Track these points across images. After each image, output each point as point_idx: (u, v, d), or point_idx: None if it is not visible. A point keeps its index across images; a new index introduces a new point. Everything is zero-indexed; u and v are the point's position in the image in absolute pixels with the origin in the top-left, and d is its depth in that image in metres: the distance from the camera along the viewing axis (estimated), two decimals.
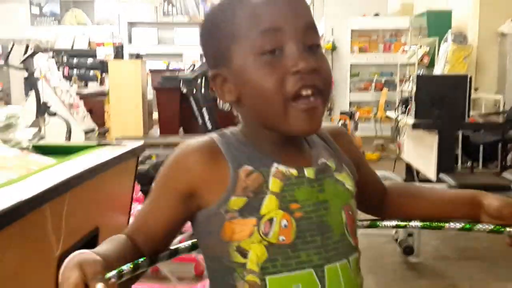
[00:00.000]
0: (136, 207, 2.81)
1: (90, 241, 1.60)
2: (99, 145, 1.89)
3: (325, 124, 0.86)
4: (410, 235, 3.16)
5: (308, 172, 0.81)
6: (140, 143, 2.00)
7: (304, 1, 0.77)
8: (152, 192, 0.83)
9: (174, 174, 0.81)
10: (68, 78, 11.75)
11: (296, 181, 0.79)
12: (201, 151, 0.80)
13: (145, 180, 3.80)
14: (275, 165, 0.79)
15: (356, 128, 6.72)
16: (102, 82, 11.34)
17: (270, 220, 0.77)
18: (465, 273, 3.09)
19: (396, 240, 3.21)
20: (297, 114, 0.75)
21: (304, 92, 0.74)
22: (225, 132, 0.84)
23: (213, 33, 0.81)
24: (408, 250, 3.07)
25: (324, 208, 0.80)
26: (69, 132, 4.99)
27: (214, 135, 0.82)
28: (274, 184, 0.78)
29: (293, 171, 0.80)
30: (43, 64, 7.13)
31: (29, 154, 1.66)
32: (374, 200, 0.96)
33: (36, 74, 5.94)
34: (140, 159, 2.13)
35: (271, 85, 0.74)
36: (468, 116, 4.27)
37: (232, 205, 0.77)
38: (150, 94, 8.73)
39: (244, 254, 0.77)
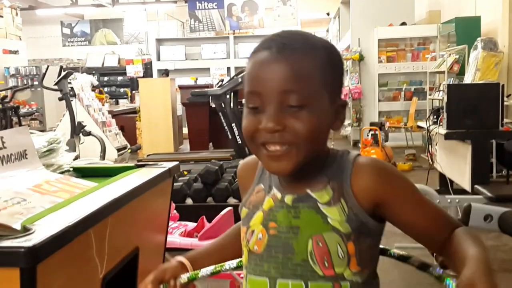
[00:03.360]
0: (172, 225, 2.85)
1: (131, 261, 1.64)
2: (137, 166, 1.94)
3: (365, 158, 0.95)
4: None
5: (287, 199, 0.93)
6: (175, 163, 2.05)
7: (285, 69, 0.86)
8: None
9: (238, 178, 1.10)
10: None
11: (279, 204, 0.93)
12: (244, 164, 1.07)
13: (179, 197, 3.87)
14: (274, 188, 0.96)
15: (386, 138, 6.66)
16: (132, 99, 11.55)
17: (253, 232, 0.94)
18: (503, 286, 3.02)
19: (433, 253, 3.16)
20: (265, 159, 0.90)
21: (269, 147, 0.88)
22: None
23: None
24: (445, 264, 3.01)
25: (293, 233, 0.90)
26: (103, 150, 5.10)
27: None
28: (267, 203, 0.95)
29: (279, 196, 0.94)
30: (82, 82, 7.31)
31: (71, 177, 1.72)
32: (429, 243, 0.96)
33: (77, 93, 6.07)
34: None
35: (248, 133, 0.90)
36: (502, 124, 4.20)
37: (242, 213, 0.99)
38: (180, 110, 8.86)
39: (242, 252, 0.98)
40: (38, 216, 1.23)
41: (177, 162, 2.05)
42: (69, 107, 5.99)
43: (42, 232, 1.11)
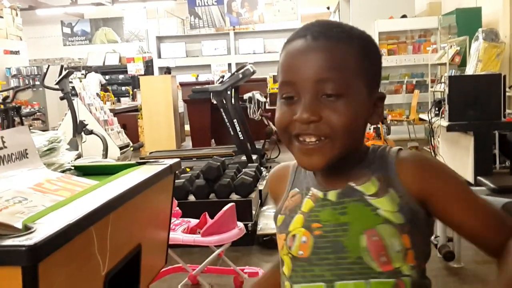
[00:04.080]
0: (174, 222, 2.86)
1: (133, 258, 1.64)
2: (138, 164, 1.94)
3: (408, 151, 0.90)
4: (450, 240, 3.11)
5: (331, 195, 0.89)
6: (176, 159, 2.04)
7: (320, 57, 0.83)
8: None
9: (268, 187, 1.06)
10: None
11: (322, 203, 0.89)
12: (274, 172, 1.04)
13: (181, 194, 3.87)
14: (313, 188, 0.92)
15: (388, 131, 6.65)
16: (134, 98, 11.55)
17: (294, 236, 0.90)
18: None
19: (436, 245, 3.16)
20: (297, 153, 0.87)
21: (303, 138, 0.85)
22: None
23: None
24: (449, 256, 3.01)
25: (342, 230, 0.85)
26: (105, 149, 5.11)
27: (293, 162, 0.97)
28: (306, 205, 0.91)
29: (320, 194, 0.90)
30: (91, 80, 7.27)
31: (72, 176, 1.72)
32: (481, 246, 0.88)
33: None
34: None
35: (281, 124, 0.87)
36: (504, 115, 4.18)
37: (278, 221, 0.95)
38: (181, 107, 8.85)
39: (283, 263, 0.93)
40: (39, 214, 1.23)
41: (178, 159, 2.05)
42: (71, 106, 6.00)
43: (43, 230, 1.11)
